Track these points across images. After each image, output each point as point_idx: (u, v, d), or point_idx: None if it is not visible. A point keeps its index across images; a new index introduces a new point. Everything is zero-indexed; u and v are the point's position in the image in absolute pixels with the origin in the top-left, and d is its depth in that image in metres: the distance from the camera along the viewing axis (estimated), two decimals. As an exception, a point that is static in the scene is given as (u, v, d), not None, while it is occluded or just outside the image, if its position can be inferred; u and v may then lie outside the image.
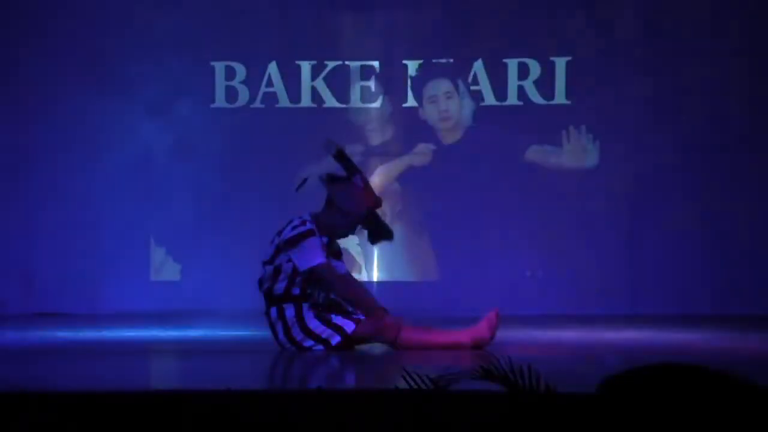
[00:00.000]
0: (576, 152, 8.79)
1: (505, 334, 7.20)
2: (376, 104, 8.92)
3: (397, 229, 8.88)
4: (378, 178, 8.92)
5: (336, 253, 6.03)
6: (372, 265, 8.87)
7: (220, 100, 8.93)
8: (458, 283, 8.77)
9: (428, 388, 3.36)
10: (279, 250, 5.82)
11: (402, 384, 3.37)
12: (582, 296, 8.61)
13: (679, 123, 8.66)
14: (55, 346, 6.62)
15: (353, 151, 8.34)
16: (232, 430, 4.01)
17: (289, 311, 5.88)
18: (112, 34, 8.78)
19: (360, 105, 8.90)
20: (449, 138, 8.93)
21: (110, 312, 8.52)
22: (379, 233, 6.12)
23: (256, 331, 6.38)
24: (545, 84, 8.81)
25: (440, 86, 8.92)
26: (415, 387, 3.35)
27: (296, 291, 5.86)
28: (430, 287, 8.78)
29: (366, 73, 8.92)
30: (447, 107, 8.91)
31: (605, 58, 8.74)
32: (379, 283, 8.84)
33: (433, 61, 8.88)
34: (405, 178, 8.90)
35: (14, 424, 3.98)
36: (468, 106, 8.88)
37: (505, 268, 8.76)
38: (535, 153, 8.85)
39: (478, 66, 8.86)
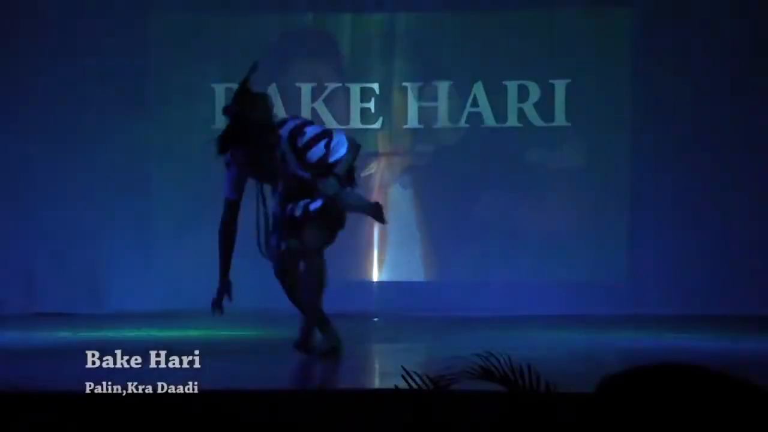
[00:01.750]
0: None
1: (505, 334, 7.21)
2: (376, 125, 8.92)
3: (398, 229, 8.90)
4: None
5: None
6: (373, 264, 8.87)
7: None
8: (459, 283, 8.76)
9: (428, 388, 3.36)
10: None
11: (402, 384, 3.37)
12: (582, 296, 8.60)
13: (678, 136, 8.64)
14: (56, 346, 6.62)
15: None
16: (232, 430, 4.01)
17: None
18: (114, 51, 8.77)
19: (360, 126, 8.90)
20: None
21: (111, 312, 8.52)
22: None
23: (256, 331, 6.38)
24: (545, 106, 8.80)
25: None
26: (415, 387, 3.36)
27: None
28: (431, 287, 8.76)
29: (366, 94, 8.92)
30: None
31: (605, 80, 8.73)
32: (380, 282, 8.84)
33: (433, 83, 8.87)
34: (405, 179, 8.89)
35: (14, 424, 3.98)
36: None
37: (506, 267, 8.75)
38: None
39: (478, 88, 8.85)
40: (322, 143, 5.67)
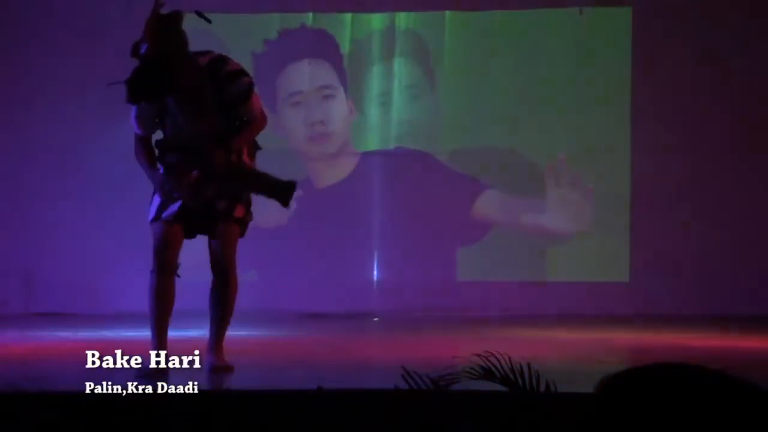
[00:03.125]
0: (563, 203, 8.76)
1: (506, 334, 7.21)
2: (375, 124, 8.94)
3: (399, 228, 8.89)
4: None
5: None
6: (373, 263, 8.86)
7: None
8: (461, 283, 8.76)
9: (428, 388, 3.36)
10: None
11: (402, 384, 3.37)
12: (583, 296, 8.60)
13: (678, 125, 8.64)
14: (56, 346, 6.62)
15: None
16: (232, 430, 4.01)
17: None
18: (112, 51, 8.74)
19: (360, 124, 8.93)
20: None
21: (111, 312, 8.51)
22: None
23: (256, 331, 6.38)
24: (544, 105, 8.79)
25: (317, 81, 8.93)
26: (416, 387, 3.35)
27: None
28: (437, 287, 8.75)
29: (365, 94, 8.93)
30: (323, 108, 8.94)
31: (605, 79, 8.74)
32: (380, 282, 8.83)
33: (434, 82, 8.89)
34: (405, 177, 8.88)
35: (14, 424, 3.97)
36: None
37: (506, 269, 8.75)
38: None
39: (478, 88, 8.85)
40: (245, 79, 5.30)
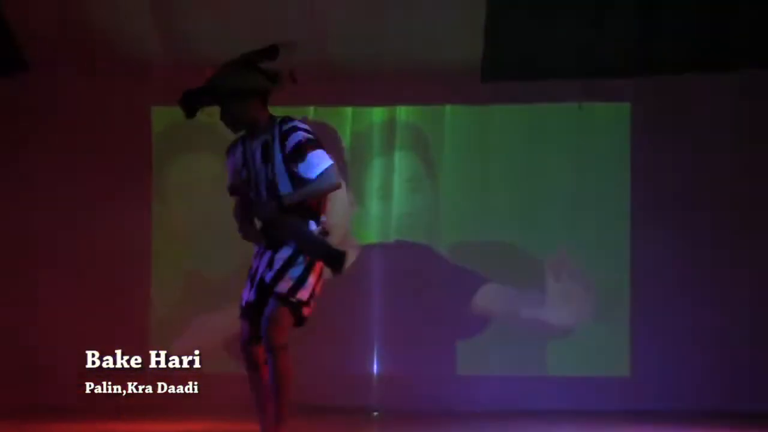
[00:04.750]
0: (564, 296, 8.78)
1: (506, 428, 7.16)
2: (377, 215, 8.97)
3: (397, 321, 8.87)
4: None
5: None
6: (373, 356, 8.83)
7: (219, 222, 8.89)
8: (459, 377, 8.72)
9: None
10: None
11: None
12: (583, 390, 8.55)
13: (677, 219, 8.67)
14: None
15: None
16: None
17: None
18: (117, 142, 8.82)
19: (361, 215, 8.97)
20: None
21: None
22: None
23: (253, 423, 6.32)
24: (545, 201, 8.84)
25: None
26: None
27: None
28: (437, 381, 8.71)
29: (366, 185, 8.98)
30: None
31: (604, 175, 8.80)
32: (380, 376, 8.79)
33: (432, 177, 8.94)
34: (406, 270, 8.88)
35: None
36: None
37: (507, 362, 8.72)
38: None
39: (477, 182, 8.89)
40: (300, 133, 5.21)
